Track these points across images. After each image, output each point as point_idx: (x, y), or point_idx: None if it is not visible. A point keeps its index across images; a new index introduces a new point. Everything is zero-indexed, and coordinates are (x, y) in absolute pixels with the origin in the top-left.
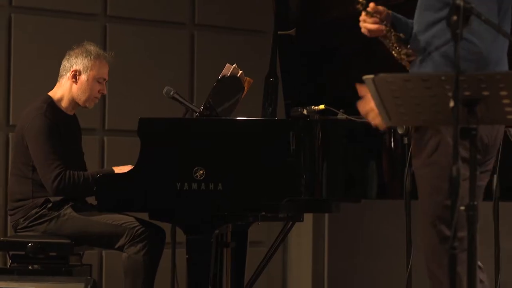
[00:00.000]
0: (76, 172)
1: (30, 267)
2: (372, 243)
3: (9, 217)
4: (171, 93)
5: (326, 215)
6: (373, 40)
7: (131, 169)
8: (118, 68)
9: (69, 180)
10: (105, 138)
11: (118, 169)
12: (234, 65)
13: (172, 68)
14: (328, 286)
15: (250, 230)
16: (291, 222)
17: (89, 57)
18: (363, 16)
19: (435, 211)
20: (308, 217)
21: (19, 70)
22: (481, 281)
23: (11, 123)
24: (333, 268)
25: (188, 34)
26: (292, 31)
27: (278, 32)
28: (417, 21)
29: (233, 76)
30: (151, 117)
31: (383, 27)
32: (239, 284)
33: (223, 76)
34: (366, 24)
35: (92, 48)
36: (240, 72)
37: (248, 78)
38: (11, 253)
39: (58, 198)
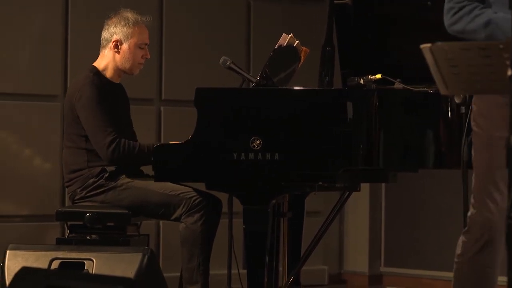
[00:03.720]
0: (131, 141)
1: (88, 237)
2: (429, 212)
3: (66, 189)
4: (228, 63)
5: (383, 184)
6: (430, 8)
7: (188, 139)
8: (174, 38)
9: (123, 148)
10: (161, 108)
11: None
12: (290, 35)
13: (229, 38)
14: (385, 256)
15: (307, 200)
16: (348, 192)
17: (127, 25)
18: None
19: None
20: (365, 186)
21: (75, 42)
22: None
23: None
24: (390, 238)
25: (244, 4)
26: (348, 0)
27: (335, 1)
28: None
29: (289, 45)
30: (208, 87)
31: None
32: (295, 254)
33: (280, 46)
34: None
35: (129, 14)
36: (297, 41)
37: (304, 48)
38: (69, 223)
39: (114, 168)
